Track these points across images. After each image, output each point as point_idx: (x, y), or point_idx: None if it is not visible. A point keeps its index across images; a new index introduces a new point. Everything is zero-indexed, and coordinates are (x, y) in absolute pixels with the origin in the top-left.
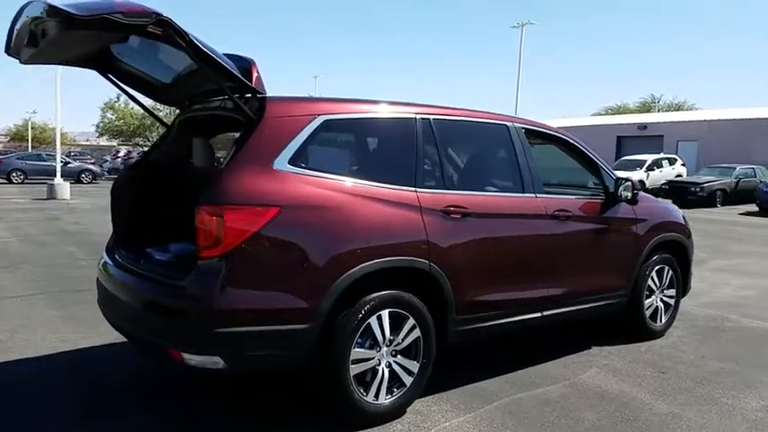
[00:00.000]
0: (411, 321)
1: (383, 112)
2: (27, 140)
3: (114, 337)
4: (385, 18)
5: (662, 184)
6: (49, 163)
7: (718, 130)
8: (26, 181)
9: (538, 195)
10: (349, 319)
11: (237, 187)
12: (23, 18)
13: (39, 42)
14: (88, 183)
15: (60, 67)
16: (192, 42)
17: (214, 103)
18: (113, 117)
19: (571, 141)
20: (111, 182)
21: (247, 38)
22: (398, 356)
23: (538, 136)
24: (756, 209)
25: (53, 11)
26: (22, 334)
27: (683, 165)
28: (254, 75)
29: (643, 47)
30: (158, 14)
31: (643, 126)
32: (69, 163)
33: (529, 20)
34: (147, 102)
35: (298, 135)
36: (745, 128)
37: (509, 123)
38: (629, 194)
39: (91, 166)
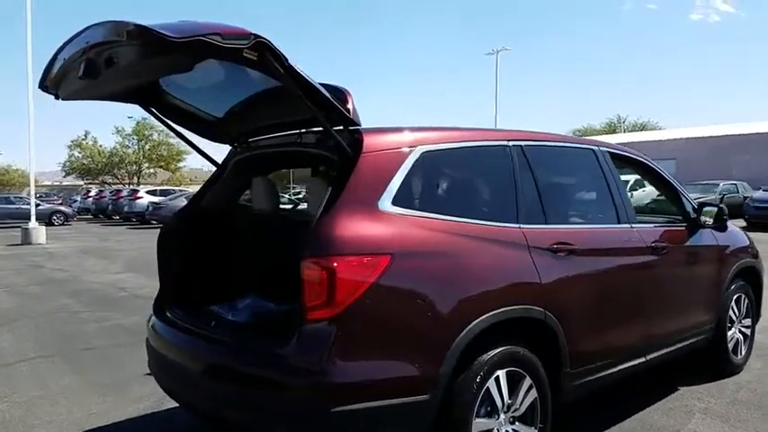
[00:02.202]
0: (528, 381)
1: (478, 140)
2: None
3: (152, 402)
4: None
5: (647, 204)
6: (18, 206)
7: (697, 148)
8: None
9: (633, 226)
10: (468, 385)
11: (347, 234)
12: (76, 46)
13: (100, 73)
14: (60, 224)
15: (32, 107)
16: (291, 69)
17: (283, 138)
18: (81, 155)
19: (651, 166)
20: (85, 222)
21: None
22: (516, 423)
23: (619, 160)
24: (744, 224)
25: (140, 32)
26: (42, 407)
27: None
28: (350, 105)
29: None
30: (257, 36)
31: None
32: (39, 205)
33: (504, 46)
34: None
35: (398, 171)
36: (724, 144)
37: (595, 147)
38: (711, 220)
39: (62, 208)
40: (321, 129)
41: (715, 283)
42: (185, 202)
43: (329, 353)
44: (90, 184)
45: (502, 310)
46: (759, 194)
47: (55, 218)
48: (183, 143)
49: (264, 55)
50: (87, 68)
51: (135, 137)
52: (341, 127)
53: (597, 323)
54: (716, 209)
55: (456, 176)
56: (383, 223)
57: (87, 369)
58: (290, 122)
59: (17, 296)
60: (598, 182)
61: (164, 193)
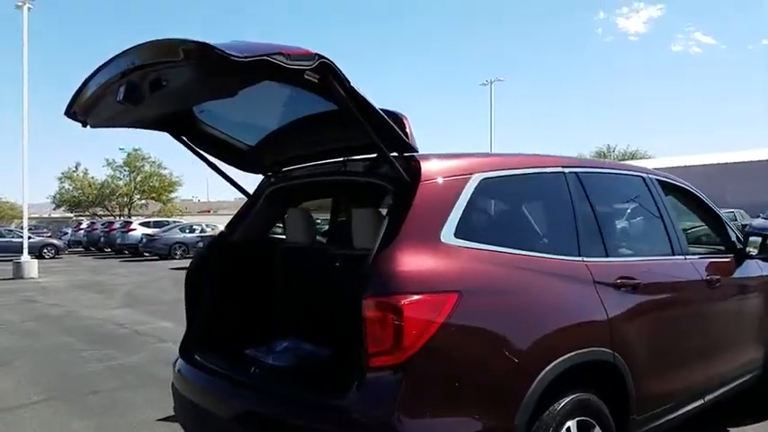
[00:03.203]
0: (597, 431)
1: (535, 166)
2: None
3: None
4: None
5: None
6: (8, 239)
7: (691, 176)
8: None
9: (687, 257)
10: None
11: (412, 270)
12: (117, 68)
13: (143, 97)
14: (51, 258)
15: (26, 139)
16: (353, 91)
17: (323, 167)
18: (71, 187)
19: (696, 193)
20: (77, 255)
21: None
22: None
23: (665, 187)
24: None
25: (202, 51)
26: None
27: None
28: (408, 130)
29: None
30: (321, 56)
31: None
32: (30, 237)
33: (497, 77)
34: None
35: (458, 200)
36: (717, 172)
37: (644, 175)
38: (756, 251)
39: (53, 240)
40: (367, 155)
41: (765, 316)
42: (180, 234)
43: (396, 405)
44: (80, 216)
45: (576, 353)
46: (759, 222)
47: (46, 251)
48: (175, 174)
49: (326, 77)
50: (129, 92)
51: (126, 168)
52: (394, 153)
53: (662, 364)
54: (760, 239)
55: (515, 205)
56: (447, 257)
57: (95, 414)
58: (333, 150)
59: (13, 334)
60: (651, 210)
61: (157, 224)
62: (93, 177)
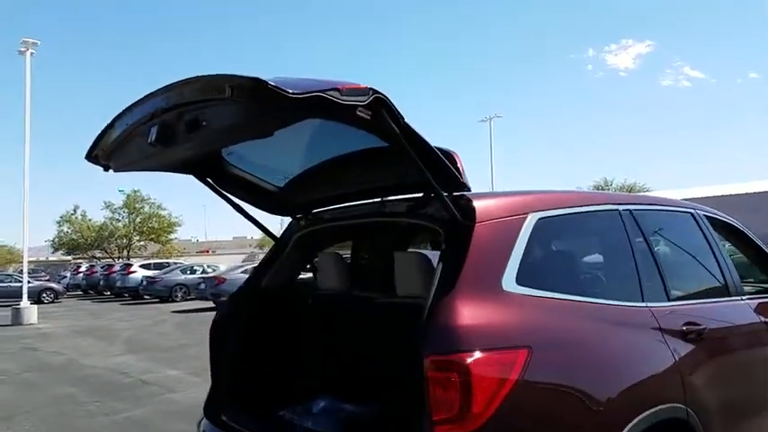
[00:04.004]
0: None
1: (590, 204)
2: None
3: None
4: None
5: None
6: (6, 284)
7: None
8: None
9: (743, 298)
10: None
11: (477, 324)
12: (149, 108)
13: (176, 139)
14: (50, 302)
15: (27, 182)
16: (407, 128)
17: (359, 208)
18: (70, 230)
19: (741, 229)
20: (76, 299)
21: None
22: None
23: (713, 222)
24: None
25: (254, 86)
26: None
27: None
28: (461, 168)
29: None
30: (376, 91)
31: None
32: (29, 282)
33: (496, 113)
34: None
35: (517, 242)
36: (721, 205)
37: (692, 210)
38: None
39: (52, 284)
40: (410, 195)
41: None
42: (181, 276)
43: None
44: (78, 259)
45: (652, 411)
46: None
47: (45, 295)
48: (174, 214)
49: (379, 112)
50: (162, 134)
51: (126, 210)
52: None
53: (732, 419)
54: None
55: (573, 247)
56: (512, 307)
57: None
58: (369, 190)
59: (14, 385)
60: (704, 249)
61: (158, 266)
62: (91, 220)
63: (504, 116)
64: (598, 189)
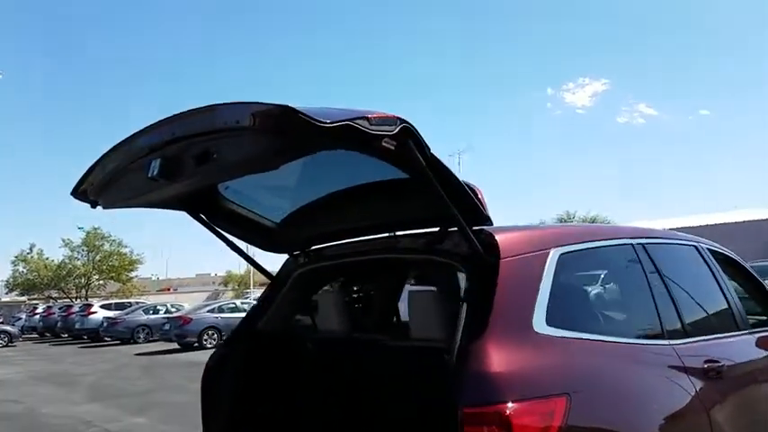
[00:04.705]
0: None
1: (605, 238)
2: None
3: None
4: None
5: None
6: None
7: None
8: None
9: (752, 332)
10: None
11: (513, 371)
12: (149, 140)
13: (181, 173)
14: (3, 346)
15: None
16: (434, 159)
17: (366, 244)
18: (25, 270)
19: (740, 263)
20: (32, 342)
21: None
22: None
23: (715, 255)
24: None
25: (284, 116)
26: None
27: None
28: (483, 201)
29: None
30: (403, 120)
31: None
32: None
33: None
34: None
35: (543, 280)
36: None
37: (696, 243)
38: None
39: (6, 327)
40: (424, 229)
41: None
42: (144, 316)
43: None
44: (33, 299)
45: None
46: None
47: None
48: (136, 252)
49: (405, 143)
50: (166, 167)
51: (85, 248)
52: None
53: None
54: None
55: (594, 283)
56: (546, 351)
57: None
58: (376, 225)
59: None
60: (710, 282)
61: (119, 306)
62: (48, 258)
63: (469, 151)
64: (561, 221)
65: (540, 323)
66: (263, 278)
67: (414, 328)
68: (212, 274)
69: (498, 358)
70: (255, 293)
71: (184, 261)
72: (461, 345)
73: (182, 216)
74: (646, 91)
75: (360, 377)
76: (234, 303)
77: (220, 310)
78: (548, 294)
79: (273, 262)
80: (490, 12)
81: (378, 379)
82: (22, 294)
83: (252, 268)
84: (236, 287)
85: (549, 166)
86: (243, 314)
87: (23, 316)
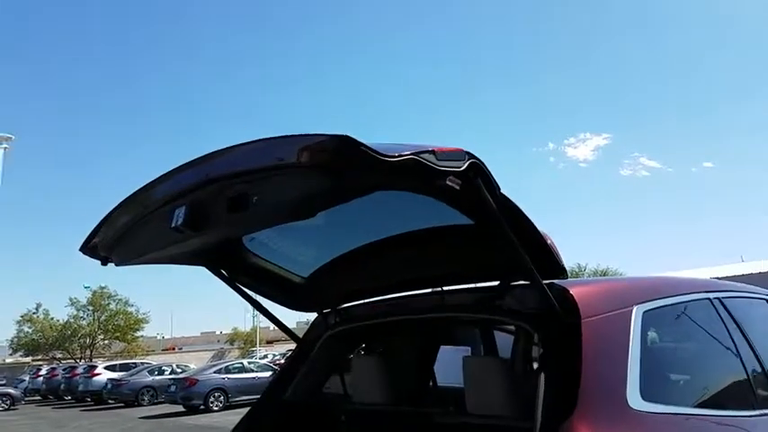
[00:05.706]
0: None
1: (684, 291)
2: None
3: None
4: None
5: None
6: None
7: None
8: None
9: None
10: None
11: None
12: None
13: (208, 221)
14: (6, 409)
15: None
16: (505, 200)
17: (407, 301)
18: (31, 330)
19: None
20: (34, 405)
21: None
22: None
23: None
24: None
25: (344, 148)
26: None
27: None
28: (557, 251)
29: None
30: (471, 155)
31: None
32: None
33: None
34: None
35: (631, 345)
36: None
37: (766, 296)
38: None
39: (9, 390)
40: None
41: None
42: (149, 377)
43: None
44: (37, 360)
45: None
46: None
47: (0, 402)
48: (142, 310)
49: (473, 181)
50: (192, 216)
51: (91, 307)
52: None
53: None
54: None
55: (682, 346)
56: None
57: None
58: (419, 279)
59: None
60: None
61: (123, 367)
62: (53, 318)
63: None
64: (573, 275)
65: (634, 398)
66: (269, 336)
67: (472, 403)
68: (218, 332)
69: None
70: (261, 352)
71: (190, 319)
72: (544, 426)
73: (188, 272)
74: (647, 144)
75: None
76: (241, 363)
77: (227, 370)
78: (638, 362)
79: (288, 316)
80: (482, 63)
81: None
82: (27, 355)
83: (258, 326)
84: (242, 345)
85: (555, 217)
86: (250, 374)
87: (27, 378)
